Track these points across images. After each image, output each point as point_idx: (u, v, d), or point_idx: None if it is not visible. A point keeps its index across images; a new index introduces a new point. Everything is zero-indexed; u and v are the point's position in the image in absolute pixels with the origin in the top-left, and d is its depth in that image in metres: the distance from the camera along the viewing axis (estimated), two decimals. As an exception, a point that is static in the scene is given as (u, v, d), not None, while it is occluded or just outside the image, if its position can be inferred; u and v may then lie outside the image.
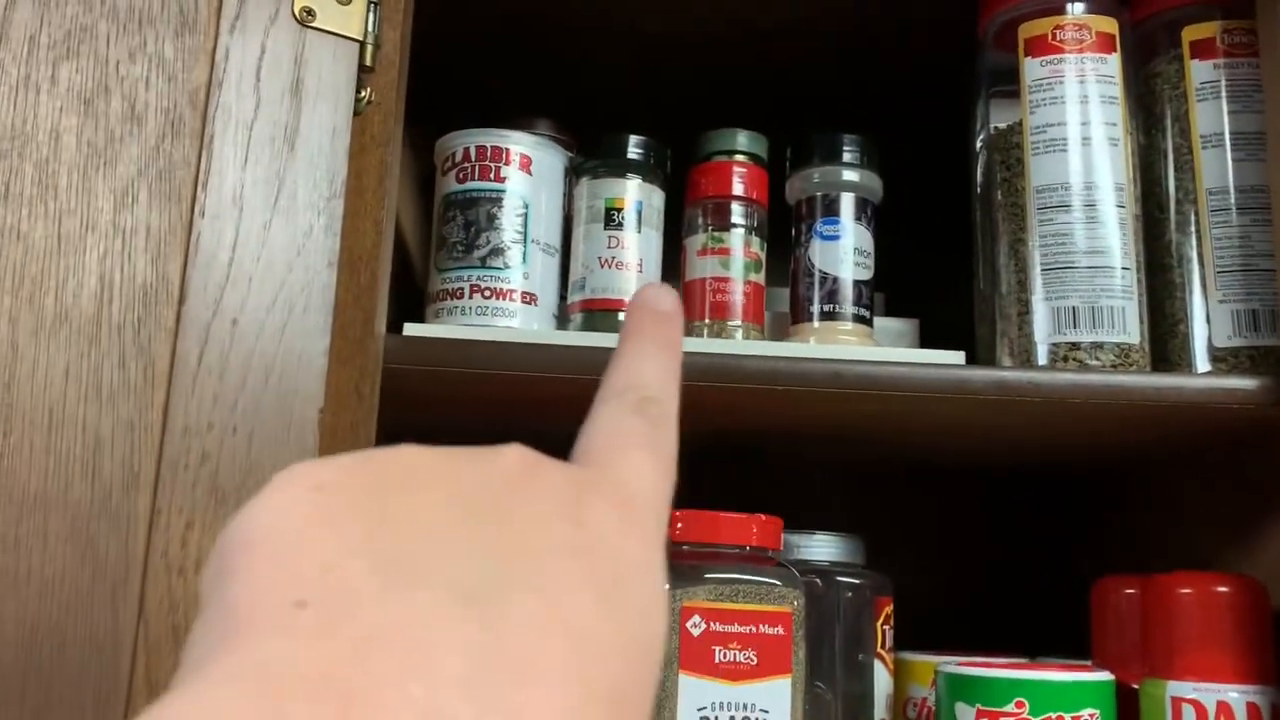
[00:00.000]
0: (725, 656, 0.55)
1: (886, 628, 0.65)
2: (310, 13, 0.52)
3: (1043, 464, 0.77)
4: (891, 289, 0.74)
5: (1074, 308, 0.58)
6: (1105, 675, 0.58)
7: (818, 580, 0.63)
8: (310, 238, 0.50)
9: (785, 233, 0.69)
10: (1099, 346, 0.57)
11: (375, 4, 0.54)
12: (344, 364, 0.50)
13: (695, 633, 0.55)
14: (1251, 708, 0.55)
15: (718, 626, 0.55)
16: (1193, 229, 0.60)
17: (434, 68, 0.64)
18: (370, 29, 0.54)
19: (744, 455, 0.78)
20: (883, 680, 0.64)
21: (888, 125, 0.73)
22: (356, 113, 0.53)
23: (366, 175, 0.54)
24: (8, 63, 0.47)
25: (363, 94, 0.54)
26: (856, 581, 0.64)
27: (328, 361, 0.48)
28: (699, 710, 0.54)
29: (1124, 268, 0.58)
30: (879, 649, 0.64)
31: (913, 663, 0.66)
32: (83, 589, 0.43)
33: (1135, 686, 0.60)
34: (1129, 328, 0.58)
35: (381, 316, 0.53)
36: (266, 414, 0.47)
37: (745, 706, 0.54)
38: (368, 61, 0.54)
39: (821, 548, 0.65)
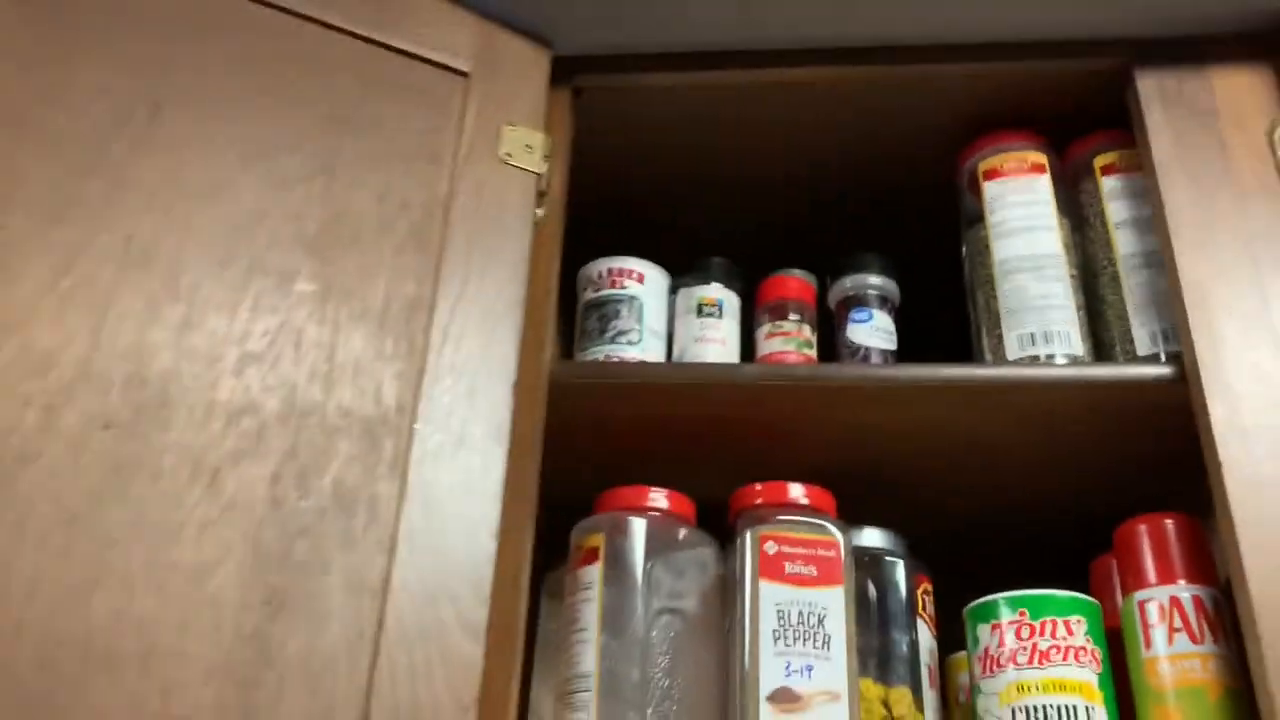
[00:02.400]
0: (793, 569, 0.75)
1: (926, 597, 0.84)
2: (510, 155, 0.83)
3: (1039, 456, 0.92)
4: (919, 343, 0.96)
5: (1031, 333, 0.82)
6: (1091, 598, 0.76)
7: (869, 557, 0.83)
8: (509, 283, 0.78)
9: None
10: (1051, 356, 0.81)
11: (548, 157, 0.85)
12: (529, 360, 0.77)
13: (770, 552, 0.76)
14: (1195, 599, 0.73)
15: (787, 549, 0.76)
16: (1114, 281, 0.84)
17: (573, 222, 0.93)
18: (544, 170, 0.85)
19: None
20: (925, 635, 0.82)
21: (907, 247, 0.99)
22: (535, 221, 0.83)
23: (539, 260, 0.82)
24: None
25: (540, 210, 0.84)
26: (897, 559, 0.84)
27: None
28: (776, 605, 0.74)
29: (1063, 305, 0.83)
30: (921, 611, 0.83)
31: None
32: None
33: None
34: (1073, 343, 0.81)
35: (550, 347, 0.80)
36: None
37: (809, 604, 0.74)
38: (542, 189, 0.84)
39: (874, 537, 0.85)
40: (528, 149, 0.84)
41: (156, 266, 0.68)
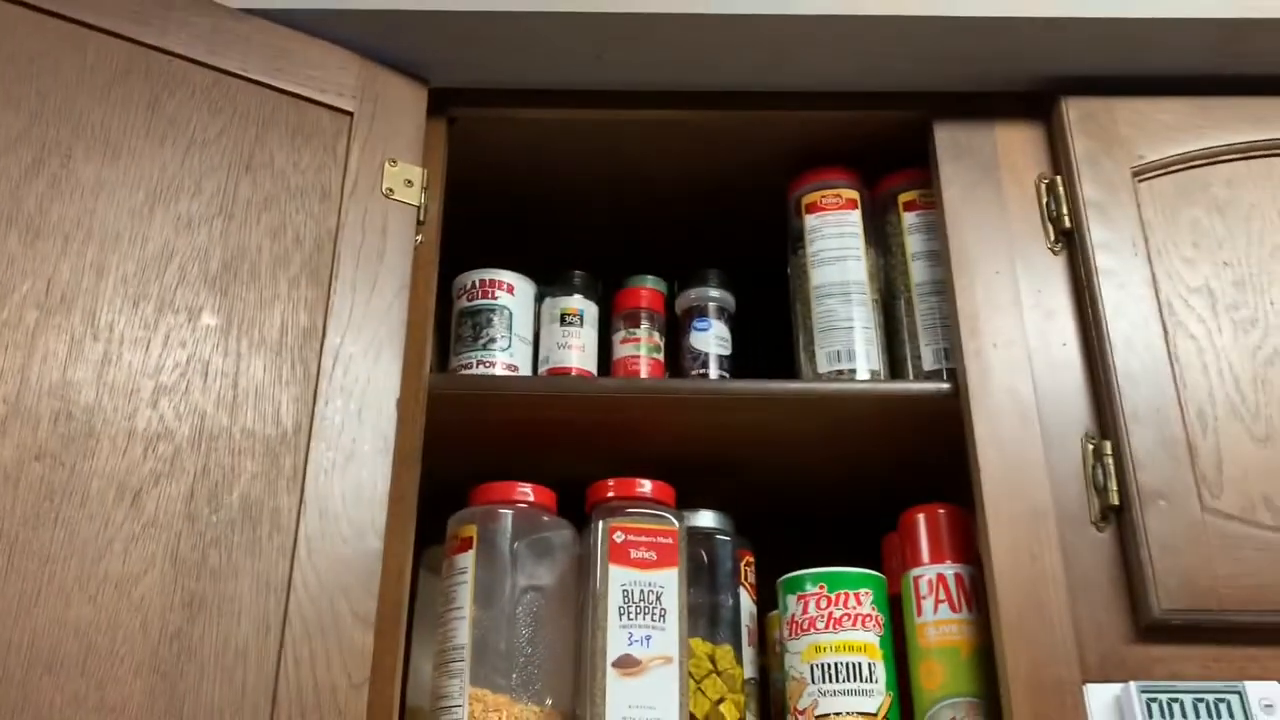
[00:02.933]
0: (637, 554, 0.90)
1: (748, 568, 1.00)
2: (391, 190, 0.93)
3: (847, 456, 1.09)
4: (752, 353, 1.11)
5: (838, 350, 0.97)
6: (878, 573, 0.93)
7: (703, 535, 0.99)
8: (392, 309, 0.89)
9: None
10: (854, 371, 0.96)
11: (425, 189, 0.95)
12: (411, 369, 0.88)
13: (619, 541, 0.90)
14: (957, 577, 0.90)
15: (632, 537, 0.90)
16: (909, 305, 1.00)
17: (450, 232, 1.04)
18: (422, 201, 0.95)
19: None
20: (746, 600, 0.98)
21: (747, 257, 1.14)
22: (414, 247, 0.94)
23: (418, 283, 0.93)
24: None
25: (419, 237, 0.94)
26: (727, 538, 1.00)
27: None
28: (621, 586, 0.88)
29: (865, 326, 0.98)
30: (742, 581, 0.99)
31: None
32: (274, 478, 0.79)
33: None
34: (872, 359, 0.97)
35: (428, 346, 0.91)
36: (371, 393, 0.84)
37: (649, 584, 0.89)
38: (421, 218, 0.94)
39: (707, 519, 1.01)
40: (407, 184, 0.94)
41: (75, 308, 0.77)
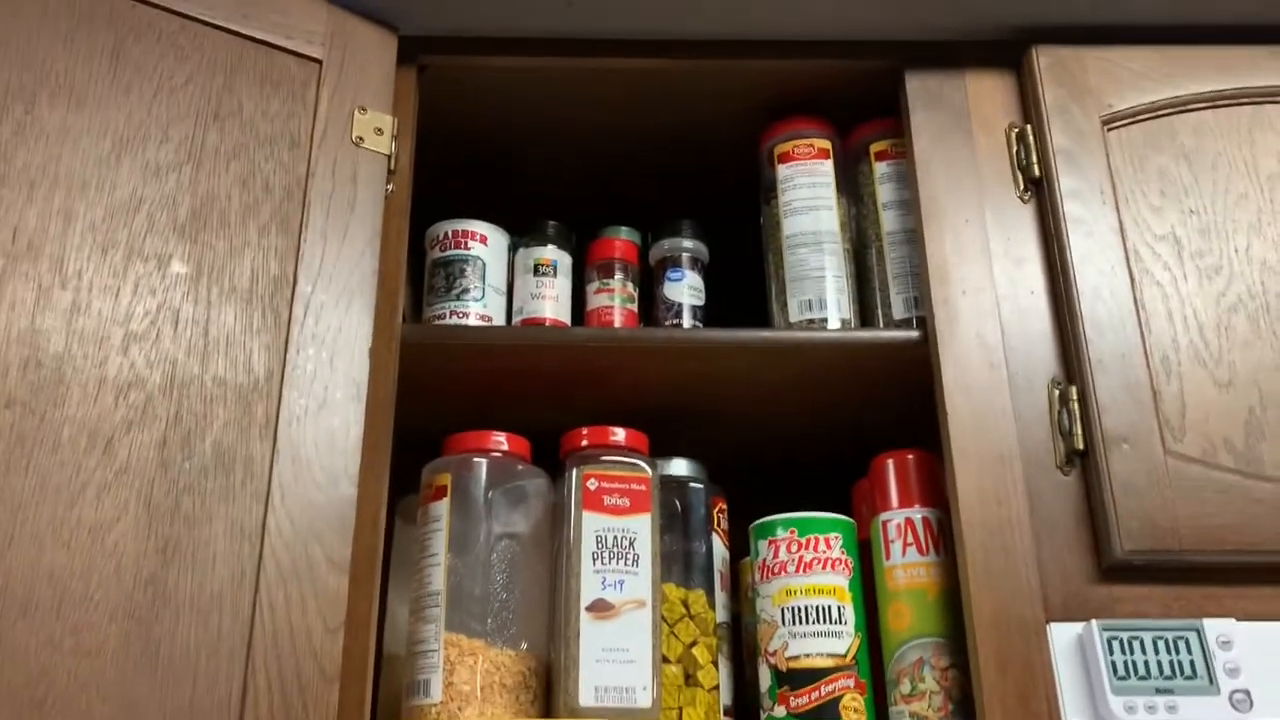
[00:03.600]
0: (610, 501, 0.90)
1: (721, 515, 1.01)
2: (361, 139, 0.93)
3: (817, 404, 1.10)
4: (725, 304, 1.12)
5: (809, 299, 0.98)
6: (847, 518, 0.94)
7: (676, 483, 1.00)
8: (363, 257, 0.89)
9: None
10: (825, 320, 0.97)
11: (396, 137, 0.95)
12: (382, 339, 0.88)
13: (592, 488, 0.91)
14: (925, 521, 0.92)
15: (605, 484, 0.91)
16: (879, 254, 1.01)
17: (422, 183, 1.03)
18: (392, 150, 0.94)
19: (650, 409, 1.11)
20: (719, 546, 1.00)
21: (721, 208, 1.14)
22: (385, 196, 0.93)
23: (389, 233, 0.93)
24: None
25: (389, 186, 0.94)
26: (700, 485, 1.01)
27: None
28: (595, 532, 0.89)
29: (836, 275, 0.99)
30: (715, 527, 1.00)
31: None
32: (247, 426, 0.79)
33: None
34: (843, 308, 0.98)
35: (399, 310, 0.91)
36: (343, 341, 0.84)
37: (623, 530, 0.90)
38: (391, 168, 0.94)
39: (680, 466, 1.01)
40: (377, 132, 0.94)
41: (43, 256, 0.77)
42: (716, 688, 0.92)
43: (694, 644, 0.93)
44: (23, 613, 0.69)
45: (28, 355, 0.74)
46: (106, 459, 0.74)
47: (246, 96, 0.88)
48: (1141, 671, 0.79)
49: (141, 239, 0.80)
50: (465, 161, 1.14)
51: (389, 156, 0.94)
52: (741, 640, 1.01)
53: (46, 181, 0.78)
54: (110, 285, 0.78)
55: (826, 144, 1.04)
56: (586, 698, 0.83)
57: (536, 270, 1.06)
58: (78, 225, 0.78)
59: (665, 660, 0.90)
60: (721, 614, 0.98)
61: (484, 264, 1.04)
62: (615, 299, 1.06)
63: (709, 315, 1.08)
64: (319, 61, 0.93)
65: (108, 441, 0.74)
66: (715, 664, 0.93)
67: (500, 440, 0.95)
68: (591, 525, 0.90)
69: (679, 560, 0.98)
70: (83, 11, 0.84)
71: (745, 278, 1.11)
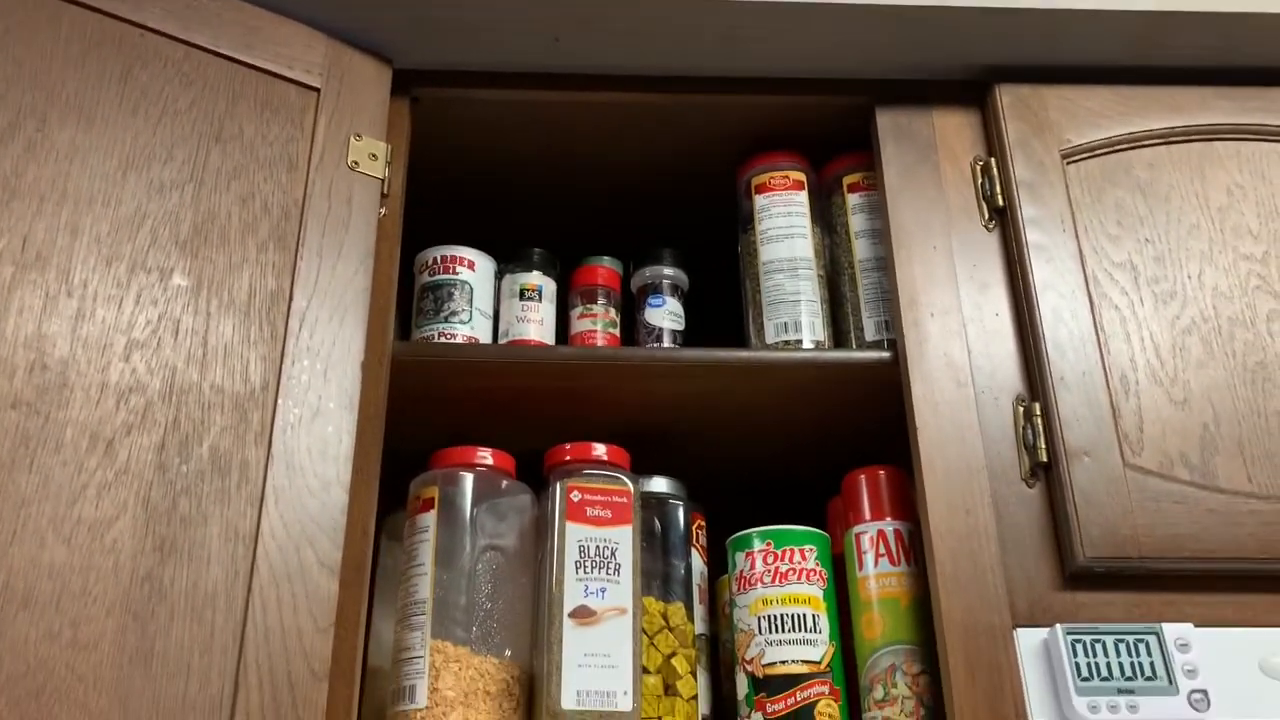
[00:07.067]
0: (592, 512, 0.93)
1: (700, 531, 1.04)
2: (356, 163, 0.97)
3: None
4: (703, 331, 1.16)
5: (785, 321, 1.02)
6: (821, 531, 0.97)
7: (656, 500, 1.03)
8: (357, 275, 0.92)
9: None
10: (799, 341, 1.01)
11: (389, 164, 0.99)
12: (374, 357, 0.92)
13: (575, 499, 0.94)
14: (896, 533, 0.95)
15: (588, 496, 0.94)
16: (852, 280, 1.05)
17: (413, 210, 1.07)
18: (386, 175, 0.99)
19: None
20: (697, 561, 1.02)
21: (700, 238, 1.19)
22: (379, 219, 0.97)
23: (382, 254, 0.97)
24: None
25: (382, 209, 0.98)
26: (679, 501, 1.04)
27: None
28: (578, 541, 0.92)
29: (810, 300, 1.03)
30: (695, 543, 1.03)
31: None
32: (243, 431, 0.82)
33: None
34: (817, 331, 1.02)
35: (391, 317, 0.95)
36: (337, 353, 0.87)
37: (605, 540, 0.93)
38: (385, 191, 0.98)
39: (660, 484, 1.05)
40: (372, 157, 0.98)
41: (50, 266, 0.80)
42: (695, 698, 0.95)
43: (673, 655, 0.95)
44: (23, 606, 0.71)
45: (34, 359, 0.77)
46: (107, 460, 0.77)
47: (247, 121, 0.92)
48: (1104, 673, 0.82)
49: (145, 252, 0.84)
50: (455, 189, 1.19)
51: (383, 181, 0.98)
52: (719, 657, 1.03)
53: (55, 196, 0.82)
54: (114, 295, 0.81)
55: (801, 176, 1.09)
56: (569, 701, 0.85)
57: (522, 295, 1.10)
58: (84, 238, 0.82)
59: (645, 671, 0.92)
60: (700, 626, 1.00)
61: (471, 288, 1.08)
62: (598, 323, 1.10)
63: (688, 341, 1.12)
64: (317, 90, 0.97)
65: (108, 443, 0.77)
66: (694, 674, 0.96)
67: (486, 455, 0.98)
68: (575, 535, 0.93)
69: (659, 575, 1.00)
70: (93, 38, 0.88)
71: (723, 307, 1.15)
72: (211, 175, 0.89)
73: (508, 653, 0.91)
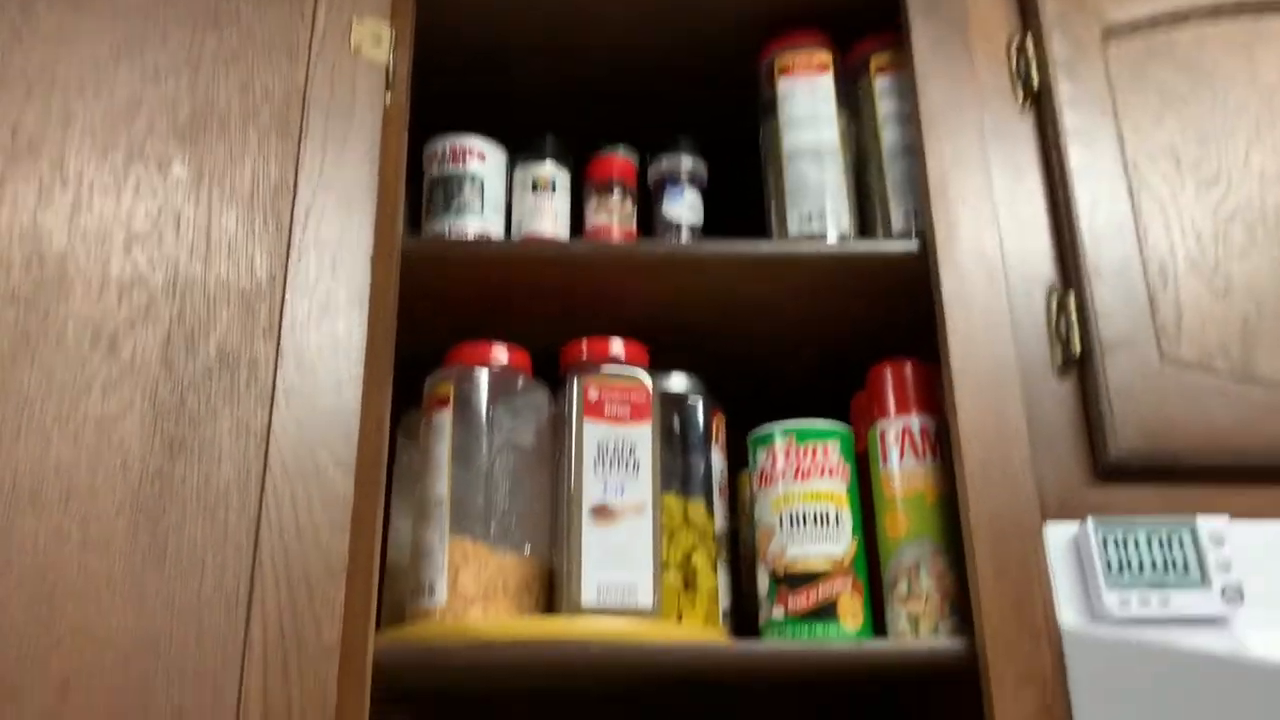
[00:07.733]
0: (610, 410, 0.91)
1: (719, 428, 1.02)
2: (359, 48, 0.92)
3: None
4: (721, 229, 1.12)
5: (809, 211, 0.98)
6: (844, 425, 0.95)
7: (675, 398, 1.00)
8: (363, 165, 0.89)
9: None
10: (824, 232, 0.98)
11: (393, 48, 0.95)
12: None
13: (593, 397, 0.91)
14: (923, 428, 0.93)
15: (606, 394, 0.92)
16: (879, 168, 1.01)
17: (420, 99, 1.03)
18: (390, 60, 0.94)
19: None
20: (717, 458, 1.00)
21: (718, 130, 1.14)
22: (384, 106, 0.93)
23: (388, 142, 0.93)
24: (200, 69, 0.86)
25: (387, 95, 0.94)
26: (698, 398, 1.01)
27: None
28: (596, 439, 0.90)
29: (836, 188, 0.99)
30: (715, 440, 1.01)
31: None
32: (250, 327, 0.79)
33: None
34: (842, 221, 0.98)
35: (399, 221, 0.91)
36: (344, 246, 0.84)
37: (623, 437, 0.90)
38: (389, 78, 0.94)
39: (679, 381, 1.02)
40: (375, 42, 0.93)
41: (43, 155, 0.76)
42: (715, 592, 0.94)
43: (693, 551, 0.94)
44: (31, 504, 0.70)
45: (30, 252, 0.74)
46: (111, 356, 0.74)
47: (244, 3, 0.88)
48: (1135, 567, 0.80)
49: (142, 141, 0.80)
50: (463, 80, 1.14)
51: (387, 66, 0.93)
52: (740, 554, 1.02)
53: (44, 82, 0.78)
54: (111, 186, 0.78)
55: (827, 57, 1.04)
56: (589, 596, 0.84)
57: (535, 187, 1.06)
58: (77, 126, 0.78)
59: (665, 566, 0.91)
60: (720, 523, 0.99)
61: (483, 181, 1.04)
62: (614, 217, 1.06)
63: (707, 236, 1.08)
64: (316, -31, 0.92)
65: (112, 339, 0.75)
66: (714, 570, 0.94)
67: (501, 352, 0.95)
68: (593, 433, 0.90)
69: (679, 474, 0.98)
70: (78, -88, 0.83)
71: (743, 202, 1.11)
72: (209, 61, 0.85)
73: (527, 549, 0.89)
